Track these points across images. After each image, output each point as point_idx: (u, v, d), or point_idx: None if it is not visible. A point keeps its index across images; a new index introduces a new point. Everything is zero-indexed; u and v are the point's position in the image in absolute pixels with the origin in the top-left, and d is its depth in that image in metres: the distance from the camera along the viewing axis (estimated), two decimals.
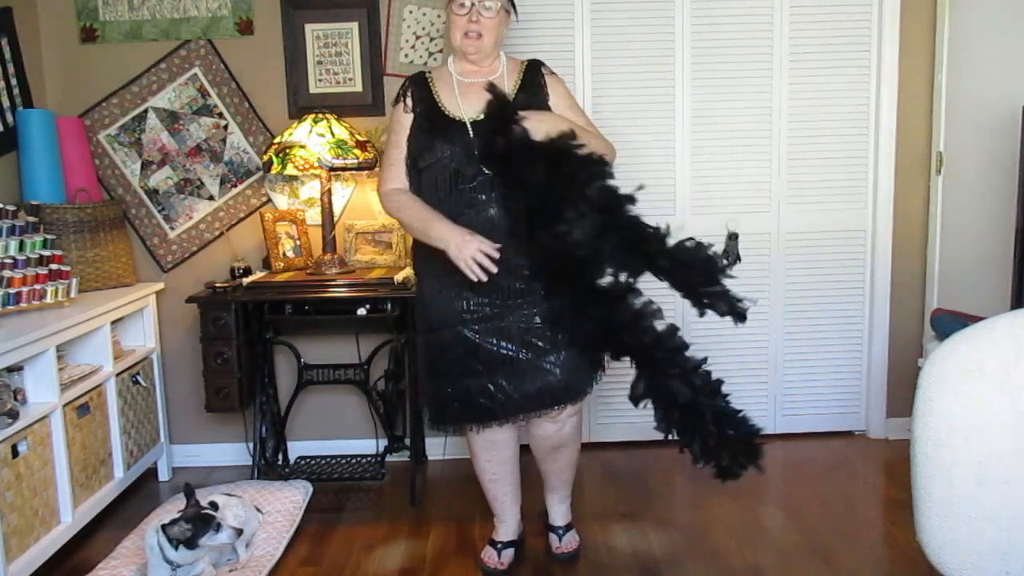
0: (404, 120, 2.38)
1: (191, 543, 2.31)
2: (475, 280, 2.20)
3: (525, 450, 2.57)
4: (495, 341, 2.31)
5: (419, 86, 2.40)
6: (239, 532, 2.39)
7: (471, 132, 2.28)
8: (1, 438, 2.30)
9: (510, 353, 2.31)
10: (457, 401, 2.36)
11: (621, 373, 3.43)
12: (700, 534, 2.73)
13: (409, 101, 2.39)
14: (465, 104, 2.33)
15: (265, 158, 3.06)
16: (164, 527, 2.31)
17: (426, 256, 2.37)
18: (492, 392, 2.32)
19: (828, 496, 2.99)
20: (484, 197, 2.26)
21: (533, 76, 2.42)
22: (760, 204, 3.43)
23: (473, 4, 2.28)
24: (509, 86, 2.37)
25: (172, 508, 2.80)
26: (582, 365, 2.38)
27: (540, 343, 2.31)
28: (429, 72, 2.44)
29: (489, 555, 2.54)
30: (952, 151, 3.31)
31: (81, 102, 3.28)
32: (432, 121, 2.34)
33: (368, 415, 3.38)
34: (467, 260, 2.19)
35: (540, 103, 2.38)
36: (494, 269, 2.19)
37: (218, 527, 2.32)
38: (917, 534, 1.57)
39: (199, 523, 2.31)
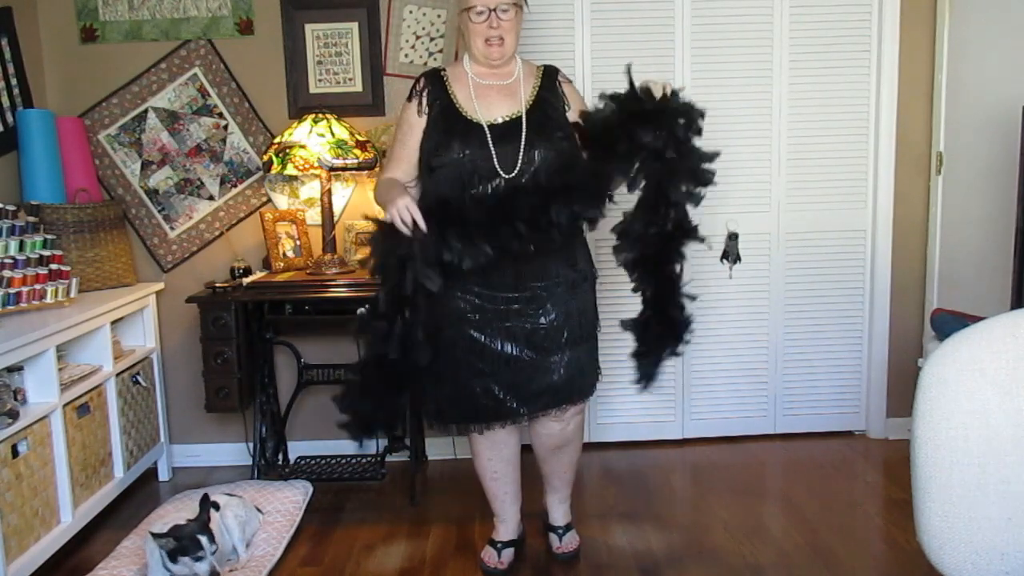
0: (416, 123, 2.36)
1: (172, 556, 2.31)
2: (401, 228, 2.16)
3: (526, 450, 2.57)
4: (500, 342, 2.31)
5: (435, 84, 2.38)
6: (215, 573, 2.38)
7: (489, 136, 2.27)
8: (1, 438, 2.30)
9: (515, 354, 2.31)
10: (461, 401, 2.36)
11: (621, 373, 3.44)
12: (700, 534, 2.73)
13: (424, 101, 2.36)
14: (482, 107, 2.32)
15: (265, 158, 3.06)
16: (163, 533, 2.32)
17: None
18: (496, 393, 2.33)
19: (828, 496, 2.99)
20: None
21: (550, 83, 2.41)
22: (760, 204, 3.43)
23: (492, 10, 2.26)
24: (526, 91, 2.36)
25: (173, 508, 2.80)
26: (586, 365, 2.40)
27: (545, 344, 2.31)
28: (444, 70, 2.43)
29: (489, 555, 2.54)
30: (952, 151, 3.31)
31: (81, 102, 3.28)
32: (449, 121, 2.32)
33: None
34: (393, 212, 2.17)
35: (560, 112, 2.37)
36: (421, 223, 2.16)
37: (200, 558, 2.31)
38: (917, 534, 1.57)
39: (187, 543, 2.30)
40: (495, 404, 2.34)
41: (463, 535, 2.77)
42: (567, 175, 2.21)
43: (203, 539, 2.32)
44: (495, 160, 2.25)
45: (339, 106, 3.23)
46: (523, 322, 2.31)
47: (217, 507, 2.53)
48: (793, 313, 3.49)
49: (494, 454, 2.50)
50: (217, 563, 2.33)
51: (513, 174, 2.25)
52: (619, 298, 3.42)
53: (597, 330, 2.47)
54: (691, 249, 3.38)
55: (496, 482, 2.54)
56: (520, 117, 2.30)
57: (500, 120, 2.30)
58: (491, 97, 2.33)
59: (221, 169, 3.34)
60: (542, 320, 2.31)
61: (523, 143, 2.26)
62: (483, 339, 2.32)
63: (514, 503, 2.58)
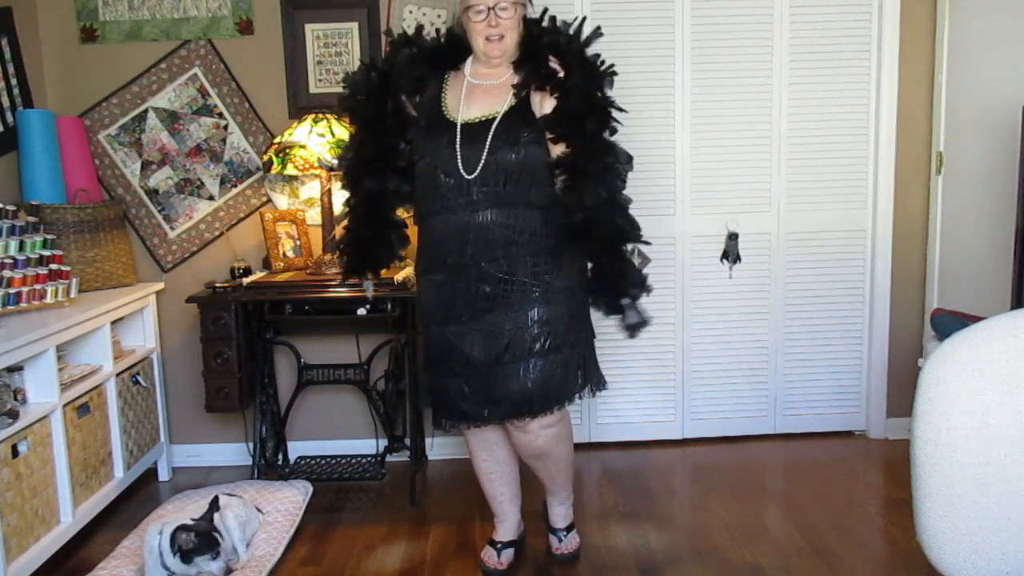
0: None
1: (187, 557, 2.31)
2: None
3: None
4: (469, 344, 2.30)
5: (434, 83, 2.40)
6: (230, 571, 2.39)
7: (459, 135, 2.28)
8: (1, 438, 2.30)
9: (480, 357, 2.29)
10: (439, 399, 2.40)
11: (620, 374, 3.45)
12: (700, 534, 2.73)
13: (417, 98, 2.41)
14: (466, 105, 2.32)
15: (265, 158, 3.06)
16: (177, 528, 2.33)
17: (419, 250, 2.41)
18: (466, 393, 2.33)
19: (828, 496, 2.99)
20: (461, 201, 2.26)
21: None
22: (760, 204, 3.43)
23: (490, 9, 2.26)
24: (515, 90, 2.36)
25: (173, 508, 2.81)
26: (553, 377, 2.31)
27: (510, 351, 2.27)
28: (447, 71, 2.42)
29: (489, 555, 2.54)
30: (952, 151, 3.31)
31: (81, 102, 3.28)
32: (428, 118, 2.35)
33: (368, 415, 3.38)
34: None
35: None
36: None
37: (216, 555, 2.33)
38: (917, 534, 1.57)
39: (204, 542, 2.32)
40: (465, 405, 2.34)
41: (463, 535, 2.77)
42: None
43: (218, 536, 2.33)
44: (458, 158, 2.26)
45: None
46: (488, 325, 2.28)
47: (217, 507, 2.53)
48: (793, 313, 3.48)
49: (487, 455, 2.51)
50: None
51: (474, 175, 2.24)
52: None
53: (580, 341, 2.38)
54: (691, 249, 3.42)
55: (492, 483, 2.55)
56: (494, 118, 2.29)
57: (472, 120, 2.30)
58: (476, 96, 2.34)
59: (221, 169, 3.34)
60: (507, 325, 2.28)
61: (488, 144, 2.26)
62: (454, 340, 2.32)
63: (512, 503, 2.58)
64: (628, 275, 2.29)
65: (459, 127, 2.29)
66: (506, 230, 2.26)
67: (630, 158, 2.32)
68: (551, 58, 2.30)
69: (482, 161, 2.25)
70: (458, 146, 2.27)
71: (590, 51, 2.31)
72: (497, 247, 2.26)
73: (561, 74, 2.28)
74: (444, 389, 2.37)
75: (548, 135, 2.27)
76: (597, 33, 2.33)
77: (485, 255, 2.26)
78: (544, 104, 2.30)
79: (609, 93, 2.31)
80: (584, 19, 2.35)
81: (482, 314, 2.29)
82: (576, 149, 2.26)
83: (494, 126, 2.28)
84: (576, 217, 2.24)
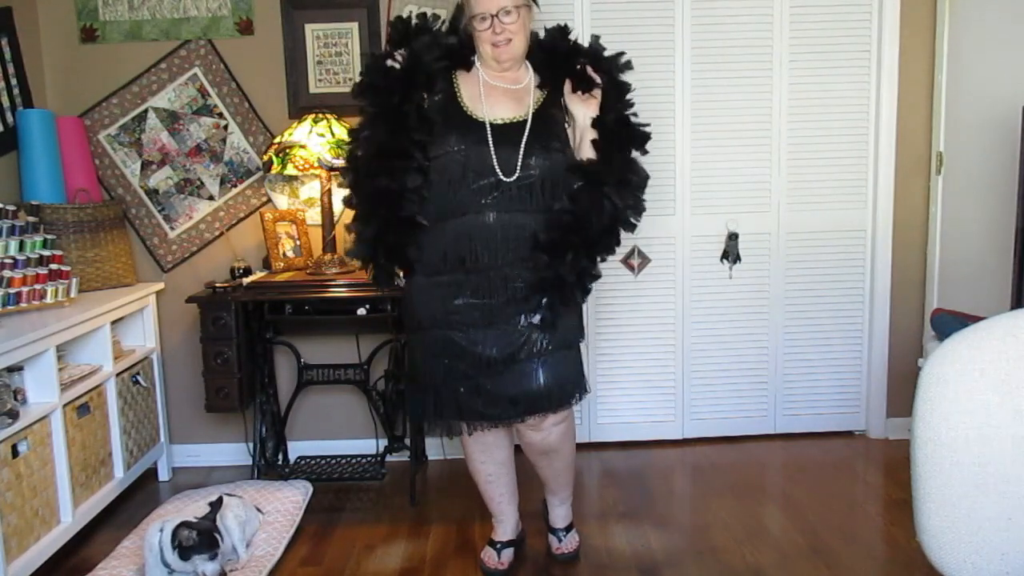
0: None
1: (186, 554, 2.31)
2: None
3: (521, 450, 2.56)
4: (481, 345, 2.28)
5: (443, 77, 2.37)
6: (223, 574, 2.40)
7: (490, 134, 2.26)
8: (1, 438, 2.30)
9: (494, 356, 2.28)
10: (444, 402, 2.35)
11: (620, 374, 3.45)
12: (700, 534, 2.73)
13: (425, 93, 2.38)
14: (487, 106, 2.31)
15: (265, 158, 3.06)
16: (180, 524, 2.34)
17: (423, 250, 2.36)
18: (477, 396, 2.31)
19: (828, 496, 2.99)
20: (487, 201, 2.24)
21: (556, 93, 2.39)
22: (760, 204, 3.43)
23: (493, 16, 2.26)
24: (536, 95, 2.36)
25: (173, 508, 2.81)
26: (565, 373, 2.33)
27: (525, 349, 2.28)
28: (454, 69, 2.41)
29: (489, 555, 2.54)
30: (952, 151, 3.31)
31: (81, 102, 3.28)
32: (447, 114, 2.32)
33: (368, 415, 3.38)
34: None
35: (560, 123, 2.37)
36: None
37: (214, 556, 2.33)
38: (917, 534, 1.57)
39: (204, 541, 2.32)
40: (481, 406, 2.32)
41: (463, 535, 2.77)
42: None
43: (219, 537, 2.33)
44: (494, 159, 2.24)
45: (339, 106, 3.22)
46: (504, 325, 2.28)
47: (220, 504, 2.53)
48: (793, 313, 3.48)
49: (487, 457, 2.50)
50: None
51: (513, 178, 2.24)
52: (616, 298, 3.43)
53: (580, 340, 2.41)
54: (691, 249, 3.42)
55: (491, 484, 2.54)
56: (523, 121, 2.29)
57: (501, 121, 2.29)
58: (496, 97, 2.33)
59: (221, 169, 3.34)
60: (521, 323, 2.28)
61: (523, 147, 2.25)
62: (464, 341, 2.30)
63: (511, 503, 2.58)
64: (566, 284, 2.27)
65: (488, 125, 2.27)
66: (528, 232, 2.26)
67: (647, 176, 2.36)
68: (587, 67, 2.32)
69: (519, 163, 2.25)
70: (491, 145, 2.26)
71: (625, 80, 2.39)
72: (524, 249, 2.26)
73: (599, 81, 2.31)
74: (455, 392, 2.33)
75: (591, 139, 2.31)
76: (629, 65, 2.40)
77: (511, 257, 2.25)
78: (589, 106, 2.32)
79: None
80: (623, 54, 2.40)
81: (501, 315, 2.27)
82: (599, 160, 2.28)
83: (527, 129, 2.28)
84: (563, 216, 2.26)
